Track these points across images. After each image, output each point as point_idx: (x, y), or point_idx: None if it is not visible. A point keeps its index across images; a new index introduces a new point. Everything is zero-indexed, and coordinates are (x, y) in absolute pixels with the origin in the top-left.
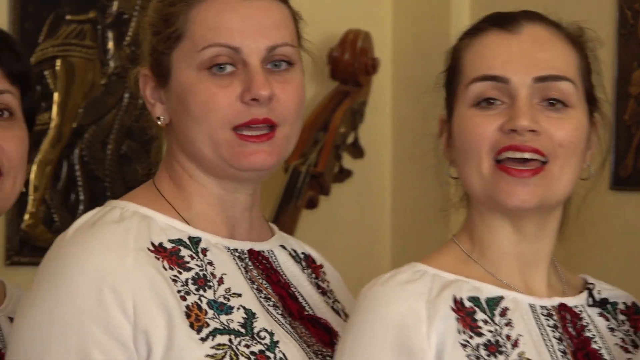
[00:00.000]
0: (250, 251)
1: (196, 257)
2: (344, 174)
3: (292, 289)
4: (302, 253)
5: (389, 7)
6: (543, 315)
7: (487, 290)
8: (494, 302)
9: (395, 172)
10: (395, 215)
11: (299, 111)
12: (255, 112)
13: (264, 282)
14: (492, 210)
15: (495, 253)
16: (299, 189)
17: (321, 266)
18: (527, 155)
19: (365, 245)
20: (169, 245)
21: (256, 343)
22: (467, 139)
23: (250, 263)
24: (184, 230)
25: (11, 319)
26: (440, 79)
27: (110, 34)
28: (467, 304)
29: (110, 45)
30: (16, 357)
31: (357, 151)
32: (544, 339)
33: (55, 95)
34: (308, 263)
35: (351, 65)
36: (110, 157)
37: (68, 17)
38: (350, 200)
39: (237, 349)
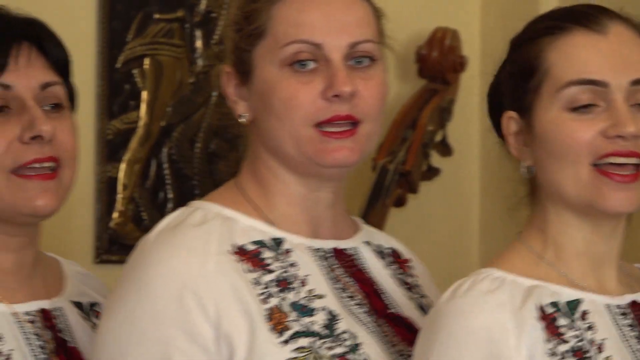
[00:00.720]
0: (335, 249)
1: (279, 258)
2: (432, 172)
3: (376, 286)
4: (389, 248)
5: (477, 4)
6: (619, 315)
7: (566, 294)
8: (573, 305)
9: (484, 170)
10: (483, 213)
11: (381, 108)
12: (337, 108)
13: (350, 279)
14: (574, 212)
15: (570, 254)
16: (387, 187)
17: (408, 260)
18: (633, 161)
19: (454, 243)
20: (251, 247)
21: (338, 345)
22: (562, 143)
23: (334, 262)
24: (266, 232)
25: (74, 303)
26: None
27: (198, 33)
28: (549, 310)
29: (199, 43)
30: None
31: (445, 149)
32: (624, 340)
33: (144, 94)
34: (394, 258)
35: (439, 63)
36: (199, 156)
37: (156, 16)
38: (438, 199)
39: (319, 352)
